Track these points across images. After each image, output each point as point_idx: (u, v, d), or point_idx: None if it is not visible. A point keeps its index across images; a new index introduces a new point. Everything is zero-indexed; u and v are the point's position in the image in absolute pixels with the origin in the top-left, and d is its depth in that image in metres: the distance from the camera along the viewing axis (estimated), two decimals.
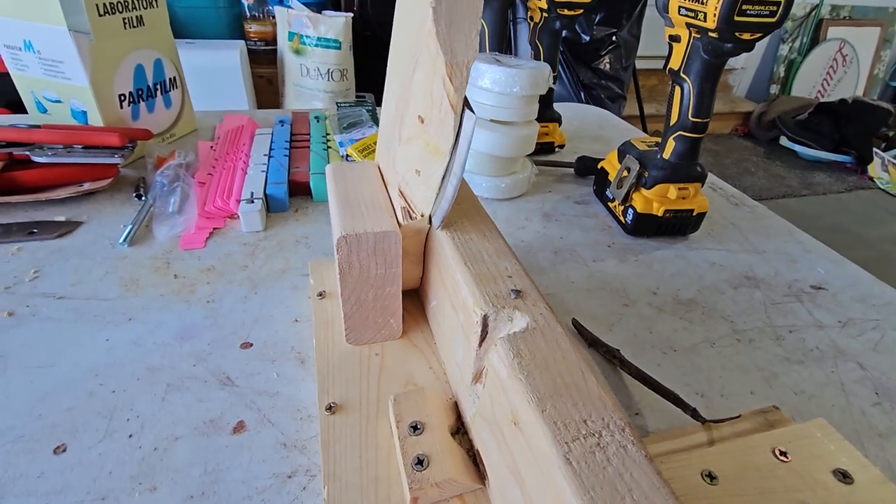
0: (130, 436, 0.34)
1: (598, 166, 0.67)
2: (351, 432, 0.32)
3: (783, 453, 0.30)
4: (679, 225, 0.59)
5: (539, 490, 0.21)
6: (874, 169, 2.63)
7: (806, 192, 2.62)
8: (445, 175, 0.28)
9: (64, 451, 0.33)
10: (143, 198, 0.59)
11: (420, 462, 0.28)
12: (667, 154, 0.56)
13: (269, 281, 0.49)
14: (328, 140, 0.71)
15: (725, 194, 0.72)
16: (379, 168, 0.41)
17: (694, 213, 0.57)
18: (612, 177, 0.63)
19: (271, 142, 0.71)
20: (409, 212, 0.34)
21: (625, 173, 0.59)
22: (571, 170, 0.73)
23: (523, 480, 0.23)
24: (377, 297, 0.36)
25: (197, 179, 0.63)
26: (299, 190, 0.63)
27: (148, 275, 0.49)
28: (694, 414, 0.36)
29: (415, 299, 0.43)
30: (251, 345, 0.42)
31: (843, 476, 0.29)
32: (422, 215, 0.33)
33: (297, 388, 0.38)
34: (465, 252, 0.31)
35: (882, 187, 2.56)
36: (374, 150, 0.63)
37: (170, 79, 0.73)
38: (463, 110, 0.25)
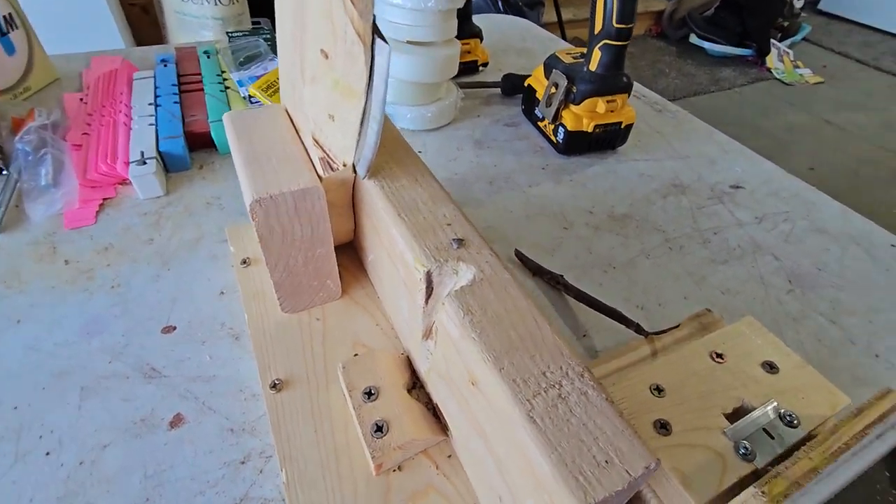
0: (47, 454, 0.30)
1: (525, 84, 0.64)
2: (301, 408, 0.30)
3: (719, 355, 0.32)
4: (609, 139, 0.58)
5: (505, 446, 0.21)
6: (771, 60, 2.78)
7: (714, 88, 2.74)
8: (364, 119, 0.25)
9: None
10: (5, 172, 0.49)
11: (379, 428, 0.27)
12: (593, 66, 0.53)
13: (182, 253, 0.44)
14: (224, 79, 0.62)
15: (649, 101, 0.73)
16: (287, 112, 0.36)
17: (622, 126, 0.57)
18: (539, 94, 0.60)
19: (155, 87, 0.60)
20: (328, 162, 0.30)
21: (553, 89, 0.57)
22: (498, 90, 0.70)
23: (487, 436, 0.22)
24: (307, 259, 0.33)
25: (70, 142, 0.53)
26: (200, 142, 0.55)
27: (30, 265, 0.41)
28: (637, 329, 0.37)
29: (351, 253, 0.40)
30: (174, 328, 0.37)
31: (770, 367, 0.32)
32: (344, 165, 0.29)
33: (235, 368, 0.35)
34: (398, 202, 0.28)
35: (778, 77, 2.72)
36: (279, 89, 0.56)
37: (4, 17, 0.59)
38: (373, 40, 0.21)
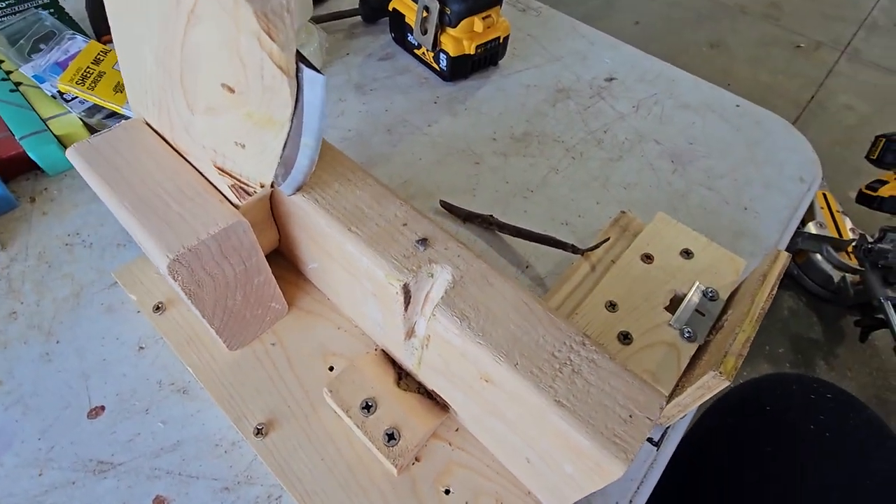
0: None
1: (390, 7, 0.58)
2: (298, 443, 0.29)
3: (648, 257, 0.37)
4: (491, 56, 0.57)
5: (533, 427, 0.22)
6: None
7: None
8: (287, 145, 0.21)
9: None
10: None
11: (391, 437, 0.27)
12: None
13: (65, 317, 0.36)
14: (8, 73, 0.47)
15: (512, 1, 0.71)
16: (150, 126, 0.29)
17: (501, 40, 0.55)
18: (409, 18, 0.55)
19: None
20: (242, 188, 0.25)
21: (425, 13, 0.52)
22: (359, 17, 0.63)
23: (508, 419, 0.24)
24: (247, 294, 0.29)
25: None
26: (15, 168, 0.43)
27: None
28: (573, 249, 0.40)
29: (280, 261, 0.36)
30: (103, 408, 0.32)
31: (687, 254, 0.37)
32: (261, 186, 0.25)
33: (199, 424, 0.32)
34: (341, 214, 0.26)
35: None
36: (103, 75, 0.44)
37: None
38: (299, 70, 0.17)
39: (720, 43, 2.13)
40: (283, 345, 0.33)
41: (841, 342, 1.27)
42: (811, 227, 1.27)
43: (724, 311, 0.34)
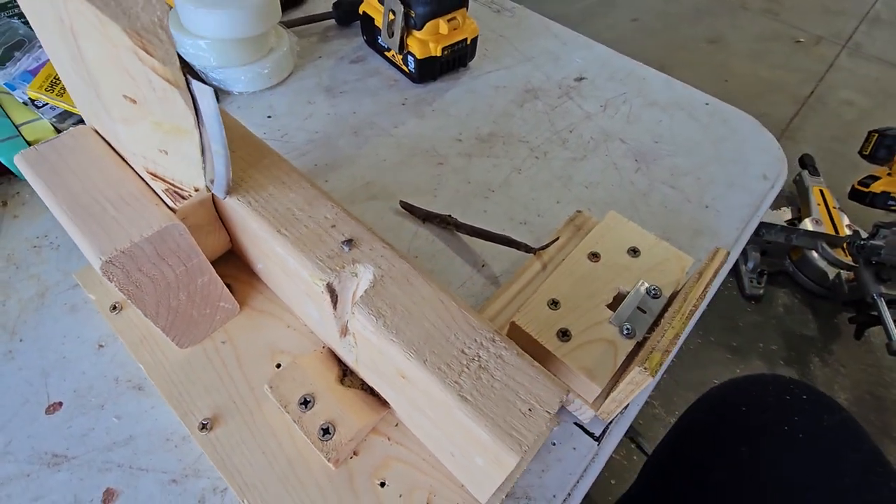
0: None
1: (360, 11, 0.58)
2: (241, 438, 0.30)
3: (595, 255, 0.37)
4: (459, 57, 0.57)
5: (445, 421, 0.23)
6: None
7: None
8: (205, 151, 0.22)
9: None
10: None
11: (326, 431, 0.28)
12: None
13: (29, 317, 0.37)
14: None
15: (486, 1, 0.71)
16: (97, 133, 0.30)
17: (468, 42, 0.56)
18: (378, 21, 0.56)
19: None
20: (177, 192, 0.26)
21: (391, 16, 0.53)
22: (332, 21, 0.64)
23: (428, 415, 0.24)
24: (191, 294, 0.30)
25: None
26: None
27: None
28: (526, 248, 0.41)
29: (236, 261, 0.37)
30: (60, 404, 0.33)
31: (634, 252, 0.37)
32: (196, 190, 0.26)
33: (152, 419, 0.33)
34: (272, 216, 0.26)
35: None
36: None
37: None
38: (189, 82, 0.18)
39: (719, 38, 2.12)
40: (233, 343, 0.34)
41: (836, 339, 1.26)
42: (807, 224, 1.27)
43: (665, 308, 0.35)
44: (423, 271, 0.25)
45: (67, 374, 0.35)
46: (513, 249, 0.42)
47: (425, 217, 0.45)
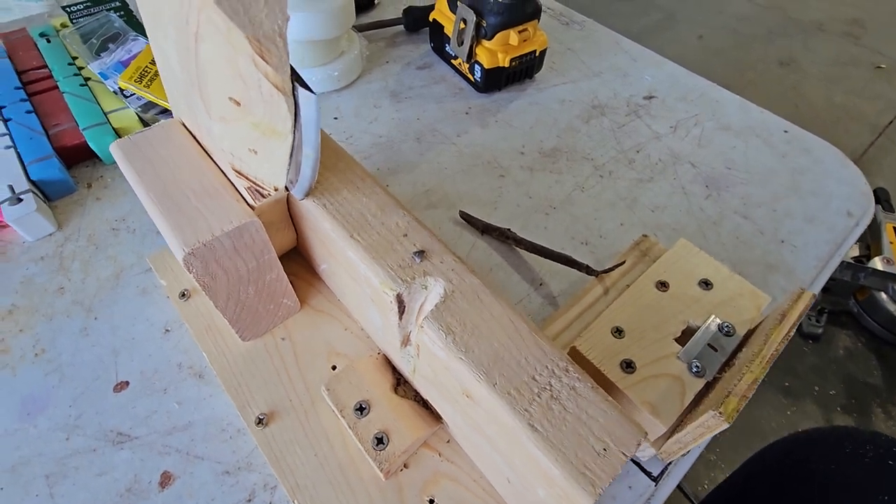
0: None
1: (430, 18, 0.59)
2: (295, 436, 0.30)
3: (663, 284, 0.35)
4: (526, 69, 0.57)
5: (510, 447, 0.22)
6: None
7: None
8: (293, 154, 0.22)
9: None
10: None
11: (380, 440, 0.28)
12: None
13: (105, 296, 0.39)
14: (80, 68, 0.52)
15: (555, 14, 0.70)
16: (185, 126, 0.31)
17: (537, 54, 0.55)
18: (447, 29, 0.56)
19: None
20: (257, 190, 0.27)
21: (462, 25, 0.53)
22: (401, 27, 0.64)
23: (489, 437, 0.24)
24: (259, 289, 0.31)
25: None
26: (76, 156, 0.47)
27: None
28: (587, 270, 0.39)
29: (299, 259, 0.38)
30: (127, 383, 0.35)
31: (706, 284, 0.36)
32: (275, 189, 0.27)
33: (209, 408, 0.34)
34: (346, 220, 0.27)
35: None
36: (157, 74, 0.48)
37: None
38: (295, 89, 0.18)
39: (791, 61, 2.01)
40: (292, 340, 0.34)
41: None
42: (877, 263, 1.18)
43: (739, 348, 0.33)
44: (493, 288, 0.25)
45: (135, 354, 0.36)
46: (573, 270, 0.41)
47: (484, 229, 0.44)
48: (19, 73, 0.52)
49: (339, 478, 0.29)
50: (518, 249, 0.43)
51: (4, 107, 0.48)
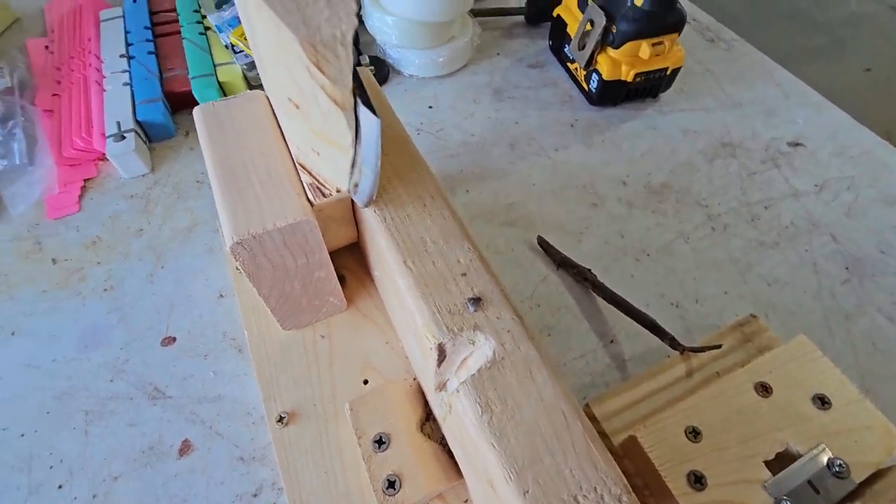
0: (60, 486, 0.30)
1: (554, 13, 0.53)
2: (310, 445, 0.29)
3: (765, 388, 0.29)
4: (650, 87, 0.50)
5: None
6: None
7: None
8: (354, 166, 0.19)
9: None
10: None
11: (391, 484, 0.26)
12: (639, 0, 0.44)
13: (176, 246, 0.40)
14: (203, 17, 0.53)
15: (700, 26, 0.61)
16: (269, 102, 0.30)
17: (668, 72, 0.48)
18: (571, 29, 0.51)
19: (125, 31, 0.52)
20: (319, 188, 0.25)
21: (588, 26, 0.48)
22: (522, 17, 0.59)
23: None
24: (305, 284, 0.29)
25: (39, 107, 0.48)
26: (181, 102, 0.49)
27: (17, 265, 0.39)
28: (672, 343, 0.34)
29: (356, 253, 0.36)
30: (174, 339, 0.35)
31: (822, 402, 0.29)
32: (337, 190, 0.25)
33: (241, 387, 0.33)
34: (403, 241, 0.24)
35: None
36: None
37: None
38: (357, 106, 0.15)
39: None
40: (330, 340, 0.33)
41: None
42: None
43: (851, 497, 0.26)
44: (549, 363, 0.21)
45: (188, 312, 0.37)
46: (654, 336, 0.35)
47: (561, 263, 0.39)
48: (151, 14, 0.55)
49: None
50: (594, 294, 0.38)
51: (132, 44, 0.51)
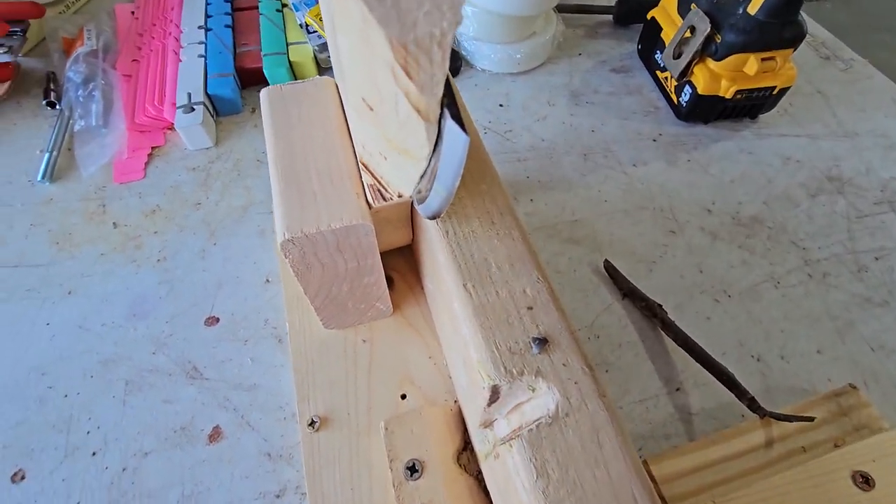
0: (94, 454, 0.30)
1: (648, 16, 0.49)
2: (339, 455, 0.27)
3: (865, 479, 0.25)
4: (751, 107, 0.44)
5: None
6: None
7: None
8: (424, 177, 0.17)
9: (23, 478, 0.29)
10: (57, 106, 0.47)
11: None
12: (753, 7, 0.39)
13: (229, 224, 0.40)
14: None
15: (815, 42, 0.55)
16: (338, 91, 0.28)
17: (775, 91, 0.43)
18: (666, 34, 0.46)
19: (206, 4, 0.53)
20: (380, 191, 0.23)
21: (687, 33, 0.43)
22: (609, 16, 0.55)
23: None
24: (353, 288, 0.27)
25: (120, 71, 0.49)
26: (252, 78, 0.48)
27: (82, 225, 0.40)
28: (751, 404, 0.29)
29: (407, 255, 0.34)
30: (217, 320, 0.35)
31: None
32: (399, 196, 0.22)
33: (276, 378, 0.32)
34: (465, 262, 0.21)
35: None
36: None
37: None
38: (443, 118, 0.13)
39: None
40: (372, 345, 0.31)
41: None
42: None
43: None
44: (621, 429, 0.18)
45: (234, 294, 0.36)
46: (728, 391, 0.31)
47: (628, 293, 0.36)
48: None
49: None
50: (663, 333, 0.34)
51: (210, 17, 0.51)
